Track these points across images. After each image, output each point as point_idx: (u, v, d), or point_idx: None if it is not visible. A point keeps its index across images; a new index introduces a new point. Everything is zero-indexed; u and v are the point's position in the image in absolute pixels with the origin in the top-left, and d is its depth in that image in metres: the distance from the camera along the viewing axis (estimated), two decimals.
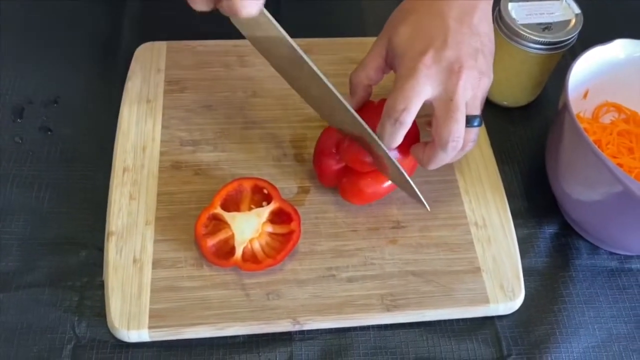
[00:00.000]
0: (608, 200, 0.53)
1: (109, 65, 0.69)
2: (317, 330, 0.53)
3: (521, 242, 0.59)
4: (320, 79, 0.50)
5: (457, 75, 0.49)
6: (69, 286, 0.54)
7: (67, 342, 0.51)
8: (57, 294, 0.53)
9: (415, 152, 0.54)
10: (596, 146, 0.50)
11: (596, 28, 0.66)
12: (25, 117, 0.64)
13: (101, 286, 0.53)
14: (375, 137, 0.51)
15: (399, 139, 0.51)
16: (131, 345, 0.51)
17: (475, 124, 0.52)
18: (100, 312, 0.52)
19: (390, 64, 0.54)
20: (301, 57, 0.49)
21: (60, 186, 0.59)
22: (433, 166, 0.53)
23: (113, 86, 0.66)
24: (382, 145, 0.51)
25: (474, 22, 0.52)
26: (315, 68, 0.50)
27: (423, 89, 0.50)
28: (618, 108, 0.64)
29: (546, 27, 0.61)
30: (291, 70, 0.52)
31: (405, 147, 0.54)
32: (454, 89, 0.49)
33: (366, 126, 0.51)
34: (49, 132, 0.63)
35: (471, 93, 0.51)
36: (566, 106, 0.53)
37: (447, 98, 0.50)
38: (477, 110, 0.52)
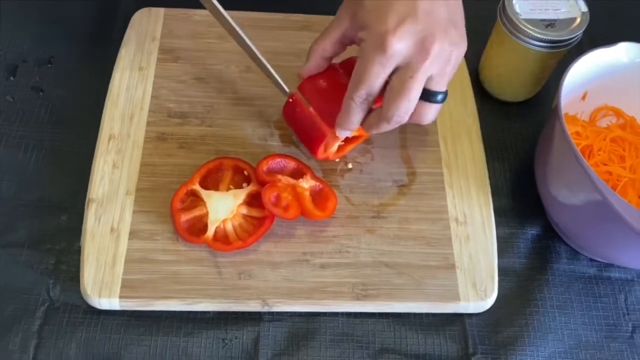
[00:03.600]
0: (589, 208, 0.52)
1: (106, 28, 0.68)
2: (286, 312, 0.54)
3: (502, 241, 0.58)
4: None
5: (425, 52, 0.47)
6: (47, 249, 0.55)
7: (40, 304, 0.52)
8: (35, 256, 0.54)
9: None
10: (581, 154, 0.49)
11: (609, 26, 0.63)
12: (19, 75, 0.64)
13: (78, 252, 0.54)
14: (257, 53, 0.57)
15: (361, 118, 0.51)
16: (102, 312, 0.52)
17: (439, 99, 0.50)
18: (74, 277, 0.53)
19: (352, 37, 0.52)
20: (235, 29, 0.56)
21: (47, 148, 0.60)
22: (373, 132, 0.53)
23: (108, 50, 0.65)
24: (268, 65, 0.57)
25: None
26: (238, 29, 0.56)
27: (388, 68, 0.47)
28: (617, 112, 0.62)
29: (550, 24, 0.59)
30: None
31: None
32: (417, 66, 0.47)
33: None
34: (41, 93, 0.63)
35: (438, 68, 0.48)
36: (557, 109, 0.52)
37: (408, 75, 0.47)
38: (442, 87, 0.50)
